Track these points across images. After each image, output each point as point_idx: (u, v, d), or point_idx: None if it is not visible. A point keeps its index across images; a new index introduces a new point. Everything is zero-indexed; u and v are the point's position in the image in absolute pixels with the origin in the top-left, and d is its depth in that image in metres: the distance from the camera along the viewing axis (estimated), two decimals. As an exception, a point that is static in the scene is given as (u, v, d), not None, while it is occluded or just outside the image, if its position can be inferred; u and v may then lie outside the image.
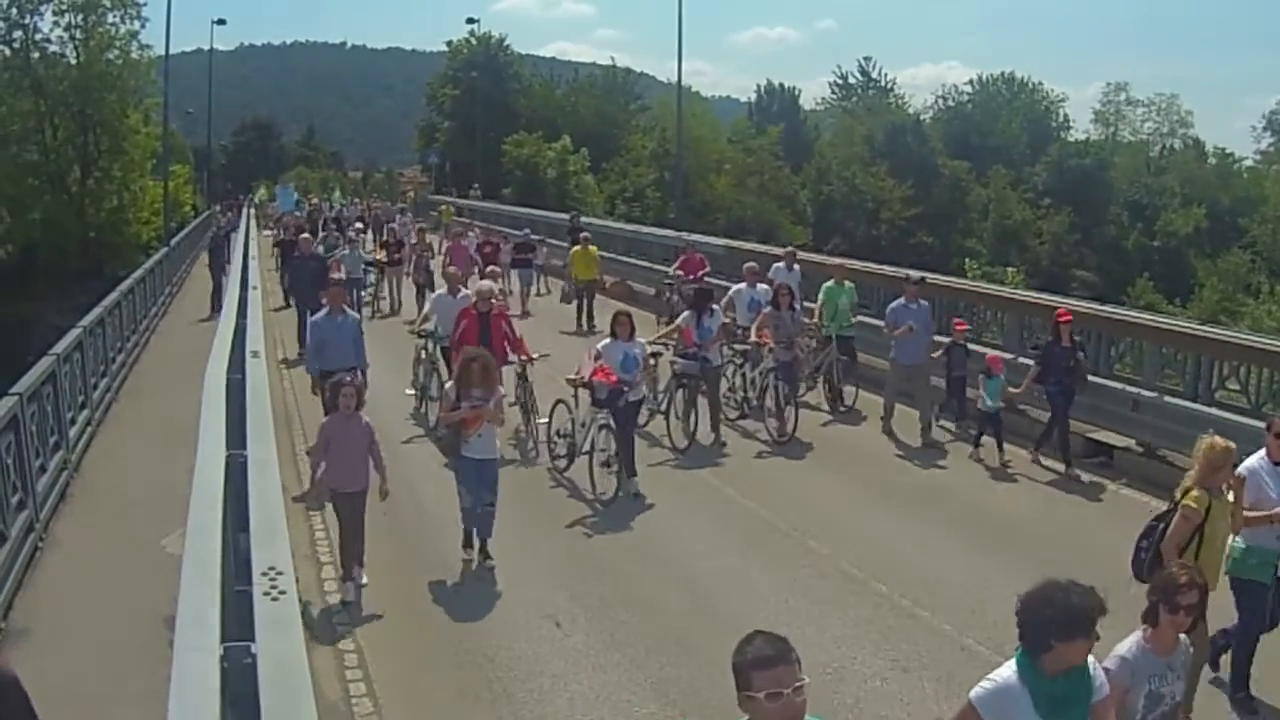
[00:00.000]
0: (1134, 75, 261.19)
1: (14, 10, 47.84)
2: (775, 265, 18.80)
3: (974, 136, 73.15)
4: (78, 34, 48.43)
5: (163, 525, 9.88)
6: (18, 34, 48.18)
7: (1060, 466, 12.90)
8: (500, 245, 27.04)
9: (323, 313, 13.24)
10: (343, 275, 21.75)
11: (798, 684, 3.48)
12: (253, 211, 53.14)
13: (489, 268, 22.10)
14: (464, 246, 25.77)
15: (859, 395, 15.93)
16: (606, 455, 11.74)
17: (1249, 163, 75.09)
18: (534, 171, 65.01)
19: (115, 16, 48.56)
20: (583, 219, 40.97)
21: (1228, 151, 76.76)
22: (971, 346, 14.97)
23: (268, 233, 43.01)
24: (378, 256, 26.35)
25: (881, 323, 15.38)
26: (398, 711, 7.45)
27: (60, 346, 13.49)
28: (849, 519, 11.47)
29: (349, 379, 9.90)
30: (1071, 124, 79.35)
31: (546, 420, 13.05)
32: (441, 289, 15.99)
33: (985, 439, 13.50)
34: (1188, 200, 67.53)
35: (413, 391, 15.86)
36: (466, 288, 15.65)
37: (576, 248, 24.14)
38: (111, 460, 13.52)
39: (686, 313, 14.43)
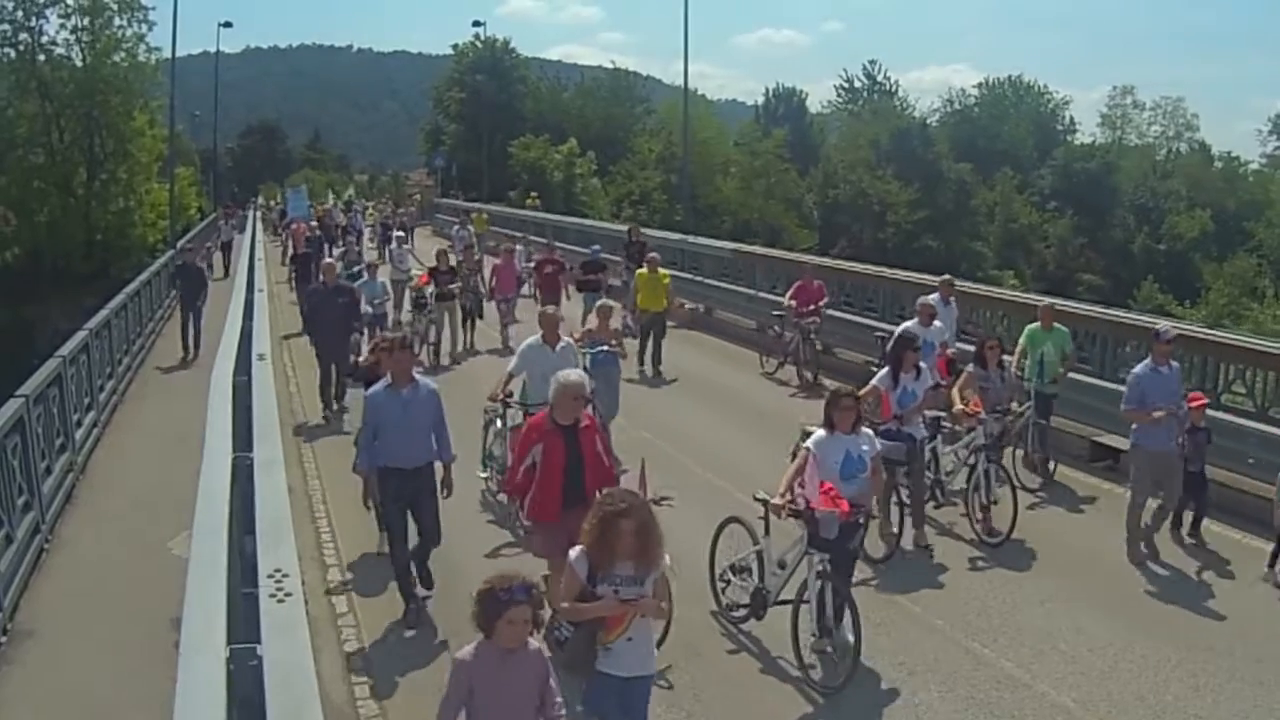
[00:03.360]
0: (1140, 78, 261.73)
1: (20, 13, 47.90)
2: (923, 297, 14.73)
3: (980, 139, 73.22)
4: (84, 36, 48.42)
5: (169, 527, 9.91)
6: (24, 36, 48.23)
7: None
8: (565, 265, 22.46)
9: (381, 385, 8.85)
10: (372, 310, 17.76)
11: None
12: (258, 215, 53.07)
13: (545, 299, 18.53)
14: (513, 265, 22.13)
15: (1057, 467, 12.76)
16: (824, 622, 7.79)
17: (1255, 166, 75.35)
18: (541, 174, 65.04)
19: (122, 19, 48.64)
20: (588, 222, 39.62)
21: (1234, 155, 77.05)
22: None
23: (274, 240, 42.51)
24: (421, 284, 20.14)
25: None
26: (403, 714, 7.43)
27: (66, 349, 13.49)
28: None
29: (524, 597, 4.79)
30: (1078, 127, 79.73)
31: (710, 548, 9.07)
32: (533, 337, 11.56)
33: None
34: (1194, 204, 67.61)
35: (486, 473, 11.94)
36: (569, 334, 12.27)
37: (642, 271, 19.36)
38: (117, 462, 13.52)
39: (882, 372, 10.76)
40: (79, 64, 48.60)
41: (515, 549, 10.12)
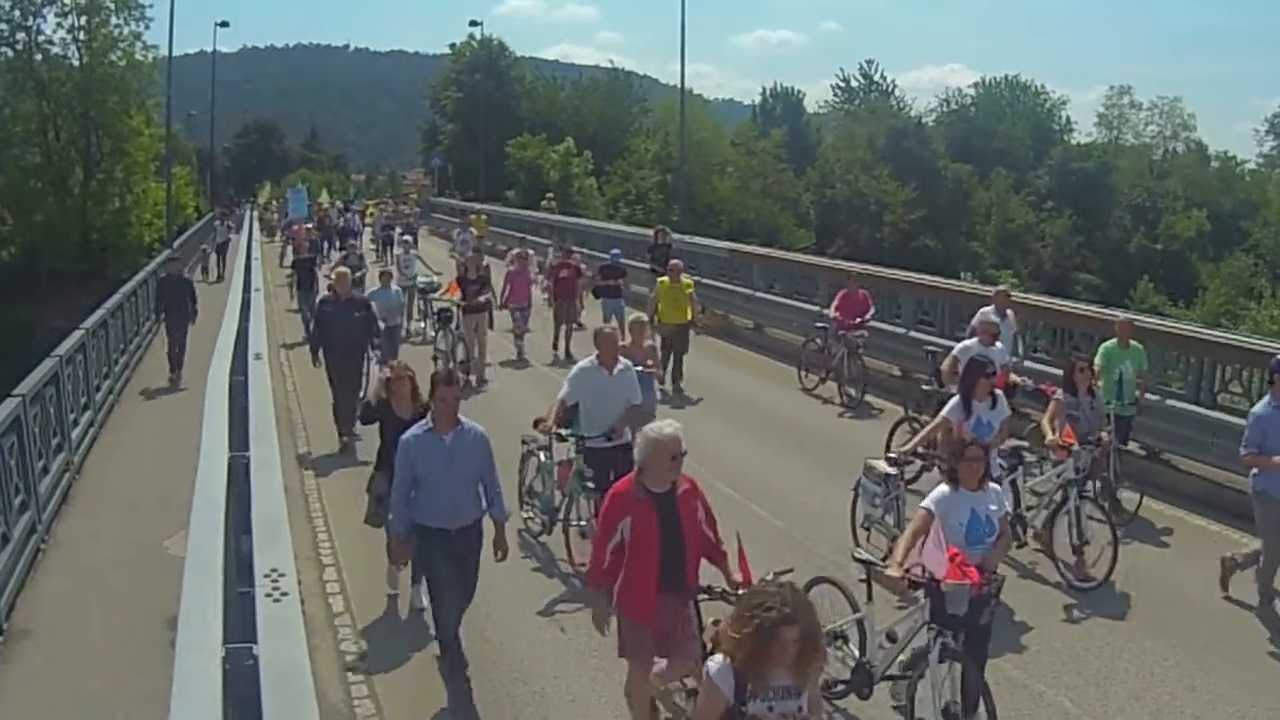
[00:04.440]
0: (1137, 78, 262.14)
1: (17, 12, 48.01)
2: (982, 311, 13.36)
3: (977, 139, 73.26)
4: (81, 36, 48.55)
5: (165, 527, 9.90)
6: (20, 36, 48.35)
7: None
8: (581, 270, 20.91)
9: (420, 428, 7.49)
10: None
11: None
12: (255, 215, 52.80)
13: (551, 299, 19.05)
14: (527, 272, 20.57)
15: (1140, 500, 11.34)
16: (950, 712, 6.57)
17: (1251, 166, 75.35)
18: (537, 174, 65.06)
19: (119, 18, 48.69)
20: (584, 221, 38.82)
21: (1230, 155, 77.07)
22: None
23: (271, 241, 41.98)
24: (450, 295, 18.42)
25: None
26: (400, 713, 7.43)
27: (63, 348, 13.48)
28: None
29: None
30: (1074, 127, 79.74)
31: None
32: (587, 359, 10.11)
33: None
34: (1190, 204, 67.71)
35: (530, 513, 10.59)
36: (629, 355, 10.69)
37: (663, 279, 17.74)
38: (114, 462, 13.51)
39: (953, 401, 9.54)
40: (76, 63, 48.74)
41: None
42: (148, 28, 48.87)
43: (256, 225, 46.53)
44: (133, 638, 8.02)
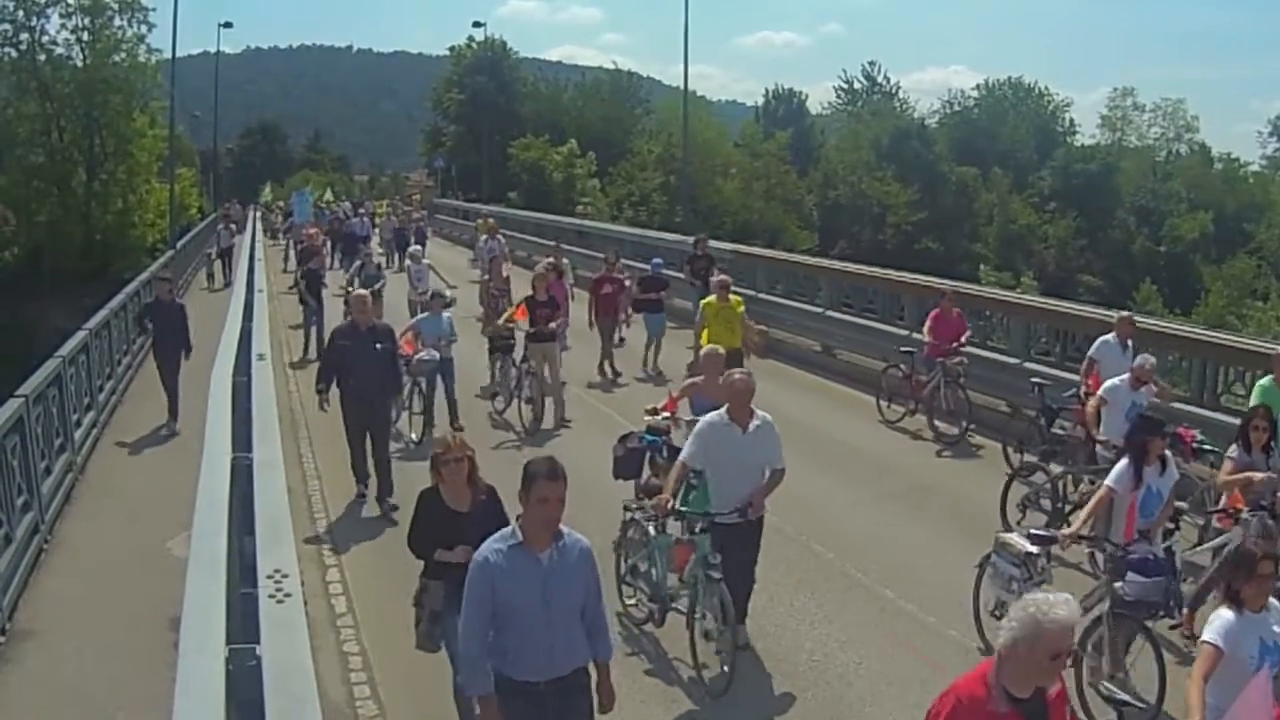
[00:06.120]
0: (1140, 80, 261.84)
1: (20, 13, 48.07)
2: (1101, 340, 11.91)
3: (980, 141, 73.24)
4: (84, 36, 48.60)
5: (168, 527, 9.91)
6: (24, 36, 48.40)
7: None
8: (626, 283, 18.74)
9: (504, 542, 5.24)
10: (428, 356, 13.91)
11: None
12: (258, 215, 52.63)
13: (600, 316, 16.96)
14: (562, 286, 17.89)
15: None
16: None
17: (1255, 167, 75.27)
18: (540, 175, 65.09)
19: (122, 19, 48.74)
20: (590, 224, 37.01)
21: (1234, 156, 76.97)
22: None
23: (275, 244, 40.99)
24: (514, 320, 15.37)
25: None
26: (402, 713, 7.44)
27: (66, 349, 13.48)
28: None
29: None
30: (1078, 129, 79.58)
31: None
32: (715, 413, 8.19)
33: None
34: (1194, 205, 67.68)
35: (632, 598, 8.74)
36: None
37: (709, 299, 15.49)
38: (117, 462, 13.51)
39: (1120, 468, 7.75)
40: (79, 64, 48.75)
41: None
42: (151, 29, 48.96)
43: (259, 226, 46.30)
44: (135, 639, 8.01)
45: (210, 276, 32.96)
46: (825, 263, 26.46)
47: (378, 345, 11.29)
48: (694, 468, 8.10)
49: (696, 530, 7.87)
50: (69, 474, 12.27)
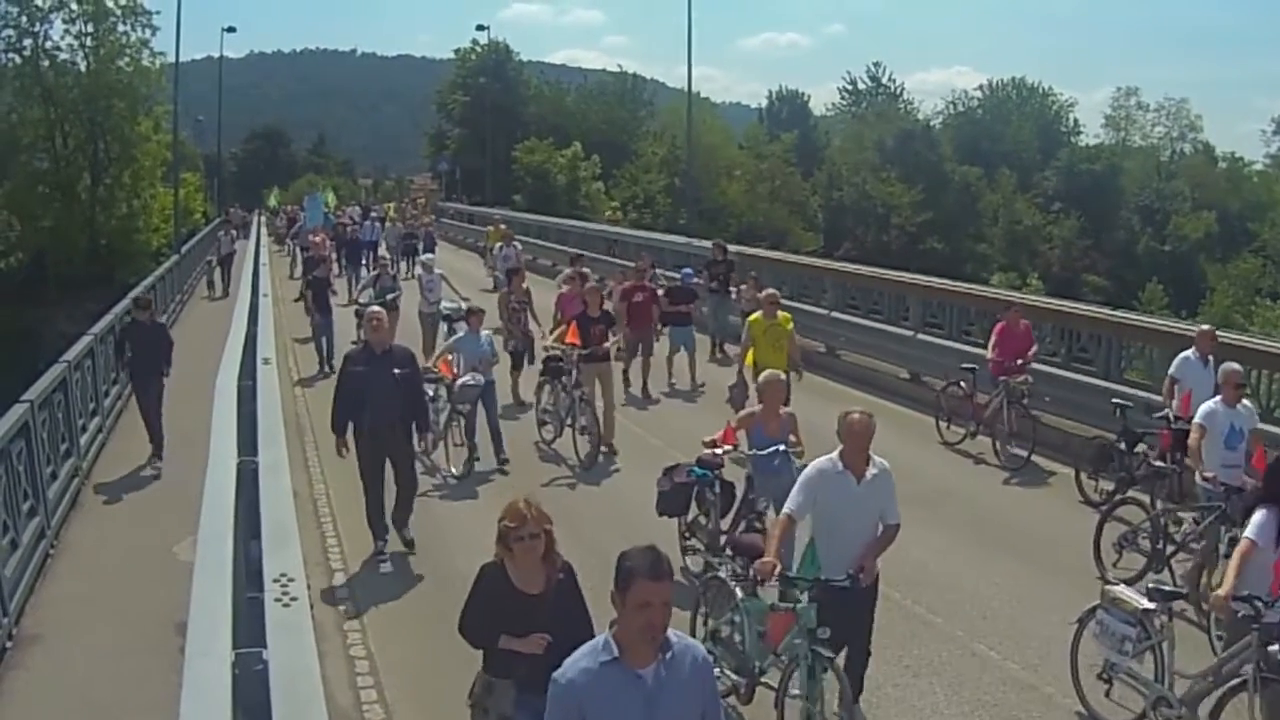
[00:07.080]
0: (1144, 79, 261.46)
1: (24, 18, 48.22)
2: (1181, 357, 10.93)
3: (984, 141, 73.28)
4: (88, 42, 48.72)
5: (174, 532, 9.92)
6: (28, 42, 48.54)
7: None
8: (658, 293, 17.47)
9: (597, 657, 3.99)
10: (473, 381, 12.60)
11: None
12: (262, 219, 52.63)
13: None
14: (576, 296, 15.90)
15: None
16: None
17: (1259, 167, 75.24)
18: (545, 178, 65.14)
19: (126, 25, 48.87)
20: (593, 226, 37.18)
21: (1238, 156, 77.01)
22: None
23: (281, 251, 40.55)
24: (568, 341, 13.49)
25: None
26: (409, 717, 7.43)
27: (71, 354, 13.49)
28: None
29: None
30: (1082, 129, 79.65)
31: None
32: (825, 458, 6.85)
33: None
34: (1198, 205, 67.70)
35: (715, 666, 6.47)
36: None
37: (755, 316, 13.73)
38: (123, 467, 13.49)
39: (1257, 518, 6.42)
40: (83, 69, 48.88)
41: None
42: (154, 34, 49.07)
43: (264, 231, 46.29)
44: (142, 643, 8.01)
45: (211, 285, 32.79)
46: (830, 264, 26.37)
47: (395, 371, 9.72)
48: (799, 519, 6.81)
49: (801, 596, 6.53)
50: (75, 479, 12.27)
